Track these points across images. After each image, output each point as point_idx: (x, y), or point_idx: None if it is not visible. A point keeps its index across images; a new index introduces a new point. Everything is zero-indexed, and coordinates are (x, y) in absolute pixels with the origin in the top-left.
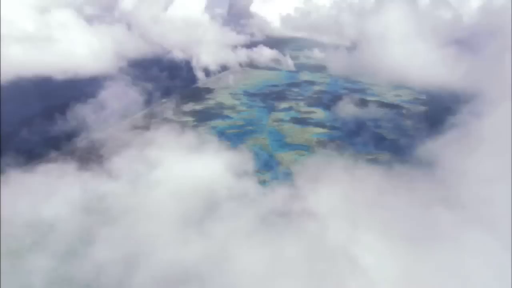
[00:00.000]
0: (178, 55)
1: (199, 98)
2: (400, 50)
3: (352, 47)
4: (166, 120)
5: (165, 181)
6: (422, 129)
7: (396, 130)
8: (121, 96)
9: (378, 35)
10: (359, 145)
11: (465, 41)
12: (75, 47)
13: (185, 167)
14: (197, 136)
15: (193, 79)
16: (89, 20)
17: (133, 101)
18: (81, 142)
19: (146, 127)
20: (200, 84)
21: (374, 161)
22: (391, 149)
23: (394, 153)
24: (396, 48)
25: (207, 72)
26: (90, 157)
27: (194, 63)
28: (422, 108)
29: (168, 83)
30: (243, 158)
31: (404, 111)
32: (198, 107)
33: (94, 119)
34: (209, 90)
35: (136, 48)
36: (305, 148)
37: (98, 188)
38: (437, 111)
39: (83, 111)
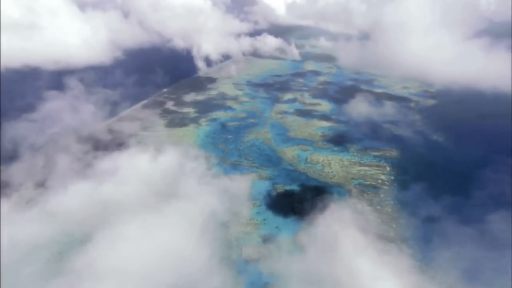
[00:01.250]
0: (178, 43)
1: (201, 88)
2: (420, 42)
3: (362, 37)
4: (167, 111)
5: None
6: (431, 124)
7: (404, 124)
8: (117, 87)
9: (395, 25)
10: (365, 140)
11: (499, 32)
12: (65, 35)
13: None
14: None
15: (194, 68)
16: (82, 6)
17: (130, 92)
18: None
19: (145, 119)
20: (201, 73)
21: (381, 158)
22: (399, 145)
23: (402, 150)
24: (416, 40)
25: (209, 62)
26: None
27: (195, 52)
28: (431, 102)
29: (168, 73)
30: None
31: (412, 104)
32: (200, 97)
33: (90, 110)
34: (211, 80)
35: (133, 37)
36: (309, 143)
37: None
38: (447, 105)
39: (78, 102)
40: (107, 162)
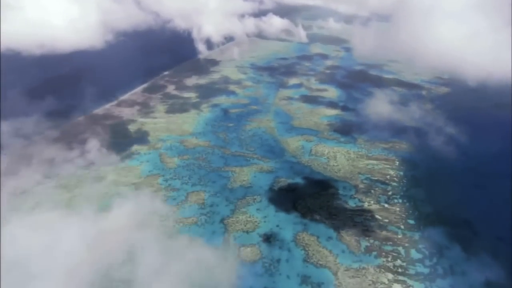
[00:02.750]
0: (178, 24)
1: (204, 71)
2: (452, 29)
3: (377, 19)
4: (167, 96)
5: None
6: (443, 114)
7: (415, 114)
8: (113, 71)
9: (422, 8)
10: (373, 130)
11: None
12: (49, 16)
13: None
14: None
15: (196, 50)
16: None
17: (128, 76)
18: (75, 121)
19: (145, 104)
20: (204, 56)
21: (389, 151)
22: (409, 137)
23: (412, 142)
24: (446, 26)
25: (210, 44)
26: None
27: (195, 34)
28: (444, 90)
29: (168, 56)
30: None
31: (424, 92)
32: (202, 81)
33: (86, 96)
34: (214, 63)
35: (128, 18)
36: (314, 133)
37: None
38: (461, 94)
39: (73, 89)
40: None
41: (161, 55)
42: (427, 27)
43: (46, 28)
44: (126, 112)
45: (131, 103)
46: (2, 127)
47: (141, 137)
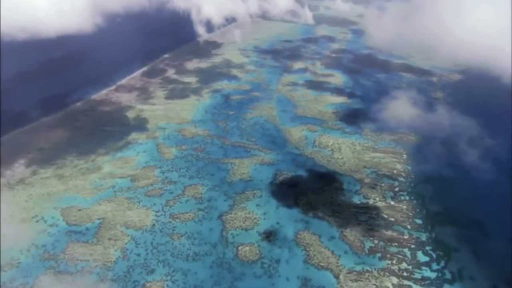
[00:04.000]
0: (177, 5)
1: (205, 54)
2: (485, 15)
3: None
4: (167, 80)
5: None
6: (455, 103)
7: (425, 103)
8: (108, 55)
9: None
10: (380, 120)
11: None
12: None
13: None
14: None
15: (196, 33)
16: None
17: (125, 60)
18: (71, 107)
19: (143, 89)
20: (205, 38)
21: (397, 143)
22: (418, 128)
23: (421, 134)
24: (479, 11)
25: (211, 26)
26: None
27: (195, 16)
28: (456, 77)
29: (167, 38)
30: None
31: (434, 79)
32: (203, 64)
33: (80, 81)
34: (216, 45)
35: None
36: (318, 122)
37: None
38: (475, 81)
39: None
40: None
41: (160, 38)
42: (454, 12)
43: (27, 10)
44: (124, 98)
45: (129, 88)
46: None
47: (139, 125)
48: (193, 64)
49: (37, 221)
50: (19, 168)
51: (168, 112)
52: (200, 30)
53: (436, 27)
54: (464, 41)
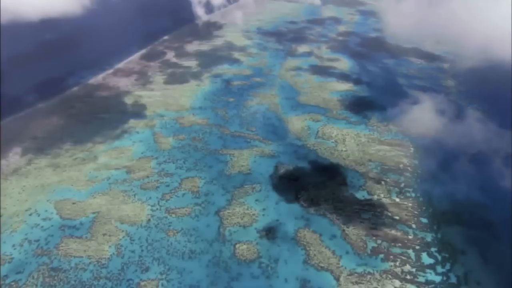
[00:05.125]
0: None
1: (206, 36)
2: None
3: None
4: (166, 64)
5: None
6: (467, 93)
7: (434, 91)
8: (103, 38)
9: None
10: (387, 110)
11: None
12: None
13: None
14: None
15: (196, 13)
16: None
17: (122, 42)
18: (67, 92)
19: (142, 73)
20: (205, 19)
21: (404, 135)
22: (426, 119)
23: (430, 125)
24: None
25: (211, 6)
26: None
27: None
28: (469, 63)
29: (166, 19)
30: None
31: (446, 66)
32: (203, 47)
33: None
34: (217, 26)
35: None
36: (322, 111)
37: None
38: (489, 69)
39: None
40: None
41: (159, 18)
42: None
43: None
44: (122, 83)
45: (128, 72)
46: None
47: (136, 113)
48: (193, 47)
49: (30, 214)
50: (13, 157)
51: (166, 98)
52: (200, 10)
53: (467, 15)
54: (498, 32)
